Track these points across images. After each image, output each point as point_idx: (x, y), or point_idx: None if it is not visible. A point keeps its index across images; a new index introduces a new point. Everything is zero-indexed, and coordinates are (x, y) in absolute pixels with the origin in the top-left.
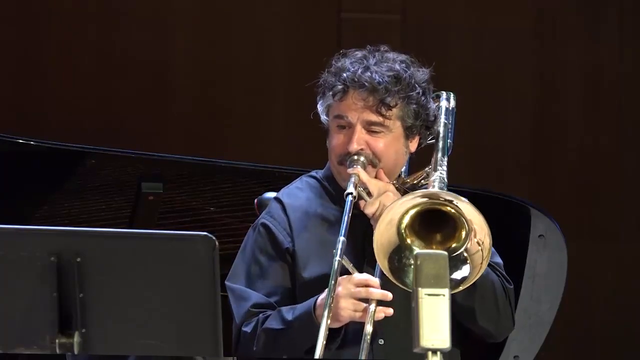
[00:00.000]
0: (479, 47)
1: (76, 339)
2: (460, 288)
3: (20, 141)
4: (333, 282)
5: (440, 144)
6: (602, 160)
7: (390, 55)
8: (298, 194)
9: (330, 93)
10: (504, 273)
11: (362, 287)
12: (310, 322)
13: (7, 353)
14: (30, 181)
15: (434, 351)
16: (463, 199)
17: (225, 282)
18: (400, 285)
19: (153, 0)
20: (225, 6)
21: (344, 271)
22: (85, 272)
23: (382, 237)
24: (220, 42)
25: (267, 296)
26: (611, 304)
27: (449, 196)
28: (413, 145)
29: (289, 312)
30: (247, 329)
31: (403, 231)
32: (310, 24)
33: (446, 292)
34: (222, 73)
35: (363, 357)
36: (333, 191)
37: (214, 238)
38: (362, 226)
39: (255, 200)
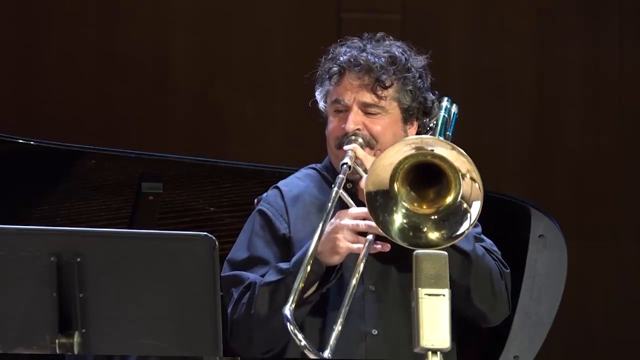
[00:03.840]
0: (479, 47)
1: (76, 339)
2: (469, 229)
3: (20, 141)
4: (329, 209)
5: (438, 128)
6: (602, 160)
7: (388, 41)
8: (296, 182)
9: (327, 77)
10: (502, 259)
11: (361, 219)
12: (314, 261)
13: (7, 353)
14: (31, 181)
15: (434, 351)
16: (441, 141)
17: (221, 273)
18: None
19: (153, 0)
20: (225, 6)
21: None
22: (85, 272)
23: (379, 173)
24: (220, 42)
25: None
26: (611, 304)
27: (430, 145)
28: (412, 132)
29: (286, 265)
30: (245, 299)
31: (396, 178)
32: (310, 24)
33: (446, 292)
34: (222, 73)
35: (353, 282)
36: (332, 179)
37: (214, 238)
38: (363, 205)
39: (255, 200)
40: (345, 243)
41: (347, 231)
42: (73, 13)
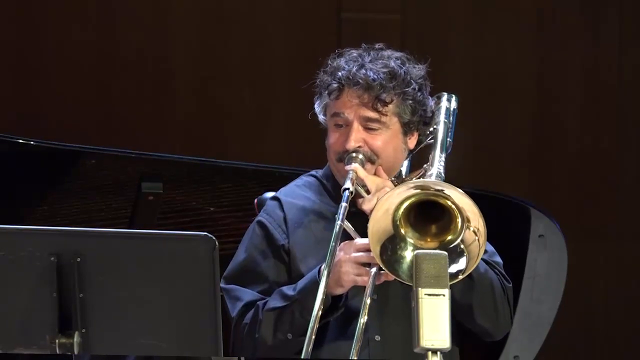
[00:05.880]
0: (479, 47)
1: (76, 339)
2: (459, 278)
3: (20, 141)
4: (333, 244)
5: (439, 141)
6: (601, 160)
7: (386, 52)
8: (296, 191)
9: (326, 92)
10: (503, 272)
11: (364, 251)
12: (315, 289)
13: (7, 353)
14: (30, 181)
15: (434, 351)
16: (454, 187)
17: (221, 284)
18: (393, 275)
19: (153, 0)
20: (225, 6)
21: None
22: (85, 272)
23: (378, 224)
24: (220, 42)
25: (262, 294)
26: (611, 304)
27: (439, 185)
28: (412, 142)
29: (290, 289)
30: (246, 320)
31: (398, 221)
32: (310, 24)
33: (446, 292)
34: (222, 73)
35: (362, 321)
36: (332, 189)
37: (214, 238)
38: (362, 224)
39: (255, 200)
40: (350, 276)
41: (351, 264)
42: (73, 13)
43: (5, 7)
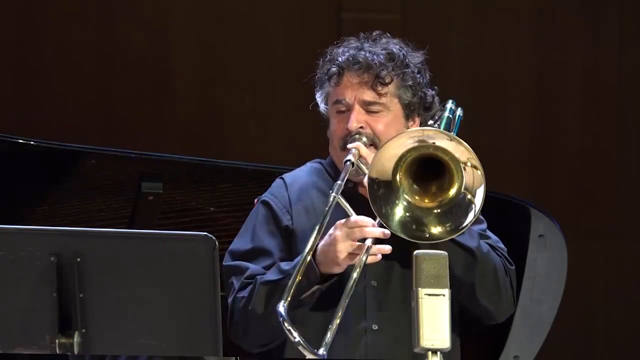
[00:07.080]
0: (479, 47)
1: (76, 339)
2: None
3: (20, 141)
4: (325, 213)
5: (442, 127)
6: (601, 160)
7: (385, 39)
8: (301, 174)
9: (327, 78)
10: (507, 255)
11: (357, 227)
12: (310, 267)
13: (7, 353)
14: (30, 181)
15: (434, 351)
16: (443, 133)
17: (223, 262)
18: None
19: (153, 0)
20: (225, 6)
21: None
22: (85, 272)
23: (383, 163)
24: (220, 42)
25: (266, 269)
26: (611, 304)
27: (431, 136)
28: (414, 127)
29: (287, 265)
30: (244, 293)
31: (399, 168)
32: (310, 24)
33: (446, 292)
34: (222, 73)
35: (355, 275)
36: (334, 174)
37: (214, 238)
38: (367, 203)
39: (256, 200)
40: (344, 254)
41: (347, 241)
42: (73, 13)
43: (5, 7)
